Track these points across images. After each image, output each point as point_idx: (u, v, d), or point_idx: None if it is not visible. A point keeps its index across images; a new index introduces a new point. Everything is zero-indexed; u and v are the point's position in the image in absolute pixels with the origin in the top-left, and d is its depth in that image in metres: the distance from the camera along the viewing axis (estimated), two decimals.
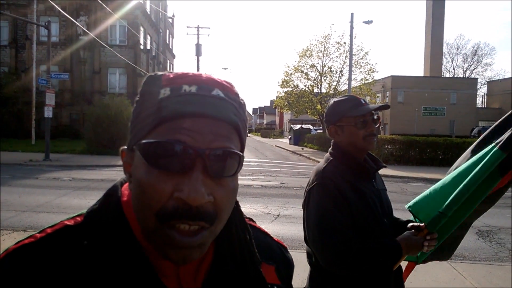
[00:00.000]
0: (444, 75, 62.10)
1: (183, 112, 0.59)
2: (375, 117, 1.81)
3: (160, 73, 0.67)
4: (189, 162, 0.58)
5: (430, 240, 1.62)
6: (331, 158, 1.83)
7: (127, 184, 0.71)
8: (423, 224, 1.63)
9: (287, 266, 0.82)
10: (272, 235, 0.87)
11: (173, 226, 0.58)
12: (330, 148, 1.90)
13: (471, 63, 68.43)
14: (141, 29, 32.93)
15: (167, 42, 48.32)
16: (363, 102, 1.81)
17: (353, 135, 1.78)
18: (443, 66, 61.04)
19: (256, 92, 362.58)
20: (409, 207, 1.76)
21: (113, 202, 0.68)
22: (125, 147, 0.68)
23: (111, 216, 0.66)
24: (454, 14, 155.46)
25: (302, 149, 28.73)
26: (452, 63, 70.53)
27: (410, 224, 1.70)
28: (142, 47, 32.93)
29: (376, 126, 1.81)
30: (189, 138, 0.58)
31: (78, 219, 0.67)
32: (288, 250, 0.87)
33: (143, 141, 0.60)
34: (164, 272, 0.65)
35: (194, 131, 0.59)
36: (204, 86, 0.62)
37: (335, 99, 1.90)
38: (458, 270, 5.04)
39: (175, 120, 0.59)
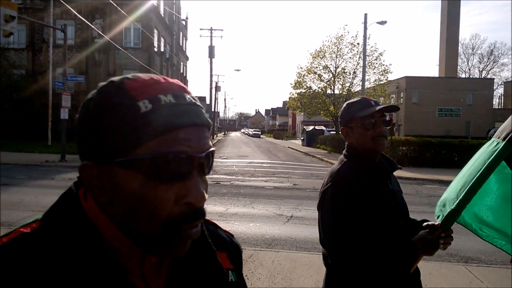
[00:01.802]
0: (460, 75, 61.20)
1: (176, 124, 0.62)
2: (387, 119, 1.80)
3: (115, 80, 0.66)
4: (190, 169, 0.63)
5: (445, 238, 1.61)
6: (345, 160, 1.83)
7: (82, 189, 0.70)
8: (438, 223, 1.62)
9: (237, 251, 0.90)
10: (219, 225, 0.93)
11: (180, 229, 0.63)
12: (344, 150, 1.90)
13: (487, 63, 67.41)
14: (155, 31, 33.20)
15: (181, 44, 48.65)
16: (373, 103, 1.81)
17: (362, 136, 1.78)
18: (458, 67, 60.13)
19: (269, 93, 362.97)
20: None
21: (74, 206, 0.68)
22: (87, 162, 0.65)
23: (74, 220, 0.66)
24: (470, 13, 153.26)
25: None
26: (468, 63, 69.50)
27: (425, 223, 1.69)
28: (156, 49, 33.21)
29: (388, 127, 1.80)
30: (186, 147, 0.63)
31: (34, 225, 0.67)
32: (235, 237, 0.95)
33: (140, 156, 0.61)
34: (130, 270, 0.67)
35: (189, 140, 0.63)
36: (177, 93, 0.66)
37: (348, 102, 1.92)
38: (475, 273, 4.96)
39: (169, 133, 0.62)
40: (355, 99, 1.89)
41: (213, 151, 0.68)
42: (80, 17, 19.77)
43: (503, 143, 1.50)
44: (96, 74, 30.81)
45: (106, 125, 0.62)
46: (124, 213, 0.63)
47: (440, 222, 1.61)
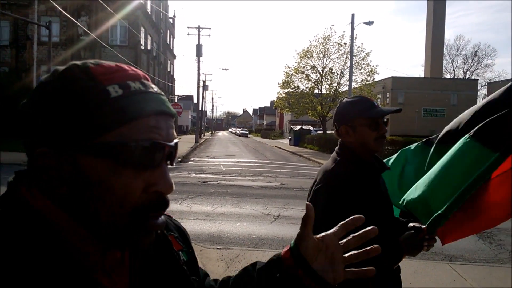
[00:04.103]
0: (445, 76, 62.01)
1: (148, 111, 0.61)
2: (385, 120, 1.82)
3: (78, 64, 0.63)
4: (161, 157, 0.63)
5: (429, 240, 1.65)
6: (339, 159, 1.82)
7: (23, 188, 0.64)
8: (424, 226, 1.65)
9: (181, 231, 0.90)
10: None
11: (148, 218, 0.62)
12: (337, 148, 1.89)
13: (472, 64, 68.36)
14: (142, 29, 32.94)
15: (168, 42, 48.33)
16: (376, 104, 1.82)
17: (366, 136, 1.78)
18: (443, 67, 60.96)
19: (256, 92, 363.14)
20: (404, 203, 1.80)
21: (22, 207, 0.62)
22: (44, 149, 0.60)
23: (27, 221, 0.60)
24: (455, 14, 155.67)
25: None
26: (452, 64, 69.84)
27: (411, 224, 1.71)
28: (142, 47, 32.95)
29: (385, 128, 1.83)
30: (157, 135, 0.62)
31: None
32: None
33: (110, 142, 0.58)
34: (92, 267, 0.64)
35: (159, 128, 0.63)
36: (144, 81, 0.65)
37: (347, 100, 1.90)
38: (458, 271, 5.04)
39: (140, 119, 0.60)
40: (354, 98, 1.88)
41: (177, 141, 0.67)
42: (66, 13, 19.51)
43: (496, 155, 1.52)
44: None
45: (71, 110, 0.58)
46: (90, 203, 0.60)
47: (426, 225, 1.63)
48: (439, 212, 1.58)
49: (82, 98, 0.59)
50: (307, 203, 0.79)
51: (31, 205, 0.62)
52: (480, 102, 1.88)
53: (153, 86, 0.66)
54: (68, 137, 0.59)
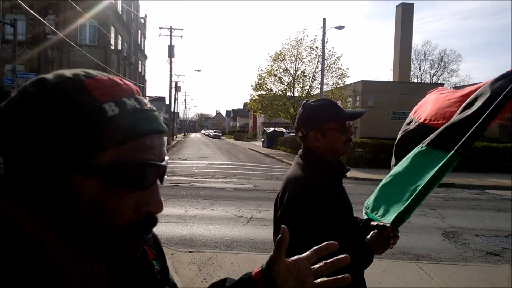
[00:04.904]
0: (412, 80, 63.78)
1: (144, 131, 0.60)
2: (350, 123, 1.85)
3: (69, 75, 0.60)
4: (154, 177, 0.63)
5: (394, 237, 1.69)
6: (306, 165, 1.79)
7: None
8: (388, 224, 1.69)
9: (154, 239, 0.88)
10: None
11: (137, 236, 0.63)
12: (301, 152, 1.85)
13: (438, 69, 70.58)
14: (112, 29, 32.27)
15: (139, 42, 47.57)
16: (341, 107, 1.83)
17: (336, 141, 1.77)
18: (411, 72, 62.71)
19: (230, 94, 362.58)
20: (368, 211, 1.86)
21: (1, 218, 0.60)
22: (31, 165, 0.57)
23: (4, 232, 0.58)
24: (423, 20, 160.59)
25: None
26: (420, 68, 71.88)
27: (374, 223, 1.74)
28: (113, 47, 32.27)
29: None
30: (152, 155, 0.61)
31: None
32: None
33: (105, 162, 0.57)
34: (69, 280, 0.63)
35: (154, 148, 0.62)
36: (138, 97, 0.64)
37: (311, 103, 1.84)
38: (425, 270, 5.19)
39: (136, 139, 0.59)
40: (319, 102, 1.84)
41: (168, 159, 0.67)
42: (32, 12, 18.88)
43: (452, 153, 1.58)
44: (49, 72, 28.56)
45: (67, 127, 0.56)
46: (78, 221, 0.59)
47: (390, 223, 1.68)
48: (401, 209, 1.63)
49: (79, 116, 0.56)
50: (283, 226, 0.77)
51: (9, 217, 0.60)
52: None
53: (146, 101, 0.65)
54: (61, 155, 0.56)
